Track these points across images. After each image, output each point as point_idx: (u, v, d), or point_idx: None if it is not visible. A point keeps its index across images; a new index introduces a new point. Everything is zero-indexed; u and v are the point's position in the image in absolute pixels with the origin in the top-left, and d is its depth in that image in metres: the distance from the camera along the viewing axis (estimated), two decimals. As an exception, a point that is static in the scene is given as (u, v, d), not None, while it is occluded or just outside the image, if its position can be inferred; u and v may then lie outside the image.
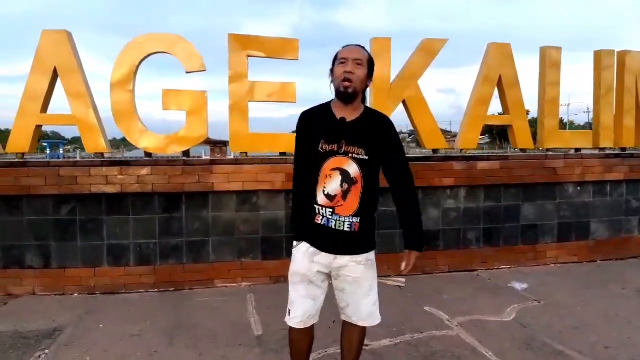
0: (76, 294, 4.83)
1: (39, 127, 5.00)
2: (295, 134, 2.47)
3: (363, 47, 2.36)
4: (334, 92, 2.35)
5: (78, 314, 4.24)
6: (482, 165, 5.42)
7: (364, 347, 3.47)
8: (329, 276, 2.44)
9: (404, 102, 5.41)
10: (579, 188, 5.79)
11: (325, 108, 2.39)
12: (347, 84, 2.24)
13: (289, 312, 2.46)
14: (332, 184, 2.29)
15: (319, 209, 2.32)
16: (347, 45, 2.36)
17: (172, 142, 5.06)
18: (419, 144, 5.75)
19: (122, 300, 4.68)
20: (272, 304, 4.31)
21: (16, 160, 4.93)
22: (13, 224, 4.80)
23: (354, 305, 2.45)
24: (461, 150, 5.67)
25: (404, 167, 2.44)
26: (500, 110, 6.09)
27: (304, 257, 2.38)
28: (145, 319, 4.13)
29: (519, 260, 5.61)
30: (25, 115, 4.88)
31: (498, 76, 5.54)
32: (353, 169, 2.28)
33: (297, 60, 5.17)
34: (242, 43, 5.02)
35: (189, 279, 4.96)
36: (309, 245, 2.38)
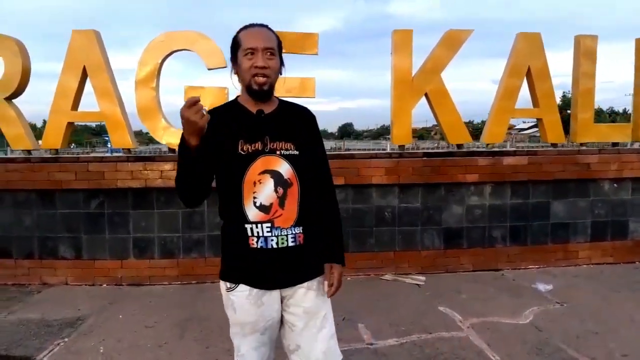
0: (105, 285, 5.05)
1: (70, 123, 5.23)
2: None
3: (268, 27, 1.90)
4: (238, 87, 1.94)
5: (101, 304, 4.44)
6: (508, 160, 5.23)
7: (367, 346, 3.49)
8: (280, 311, 1.96)
9: (426, 96, 5.29)
10: (615, 185, 5.48)
11: (233, 105, 1.95)
12: (261, 79, 1.82)
13: None
14: (264, 191, 1.83)
15: (251, 229, 1.84)
16: (249, 27, 1.88)
17: (194, 138, 5.16)
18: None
19: (146, 291, 4.86)
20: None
21: (49, 156, 5.20)
22: (47, 217, 5.07)
23: (306, 346, 1.93)
24: (487, 144, 5.48)
25: (327, 168, 2.05)
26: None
27: (249, 302, 1.88)
28: (162, 310, 4.27)
29: (548, 259, 5.38)
30: (58, 113, 5.12)
31: (527, 67, 5.31)
32: (285, 169, 1.86)
33: (316, 55, 5.14)
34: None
35: (209, 272, 5.07)
36: (249, 287, 1.88)
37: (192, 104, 1.61)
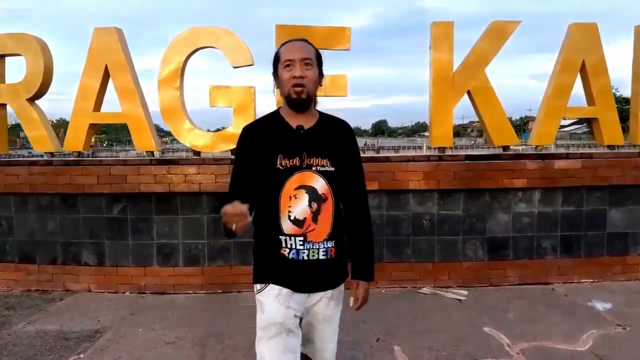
0: (128, 293, 4.86)
1: (92, 125, 5.05)
2: (235, 153, 2.08)
3: (307, 41, 2.00)
4: (281, 99, 2.00)
5: (122, 315, 4.23)
6: (559, 164, 4.75)
7: (405, 374, 3.15)
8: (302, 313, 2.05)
9: (468, 93, 4.87)
10: (682, 191, 4.93)
11: (274, 118, 2.02)
12: (299, 89, 1.89)
13: None
14: (299, 206, 1.91)
15: (285, 240, 1.92)
16: (289, 42, 1.98)
17: (219, 140, 4.93)
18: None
19: (169, 301, 4.62)
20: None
21: (72, 158, 5.03)
22: (70, 221, 4.91)
23: (320, 344, 2.09)
24: (536, 147, 5.02)
25: (362, 182, 2.10)
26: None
27: (278, 302, 1.94)
28: (185, 324, 4.02)
29: (604, 273, 4.88)
30: (79, 114, 4.94)
31: (581, 62, 4.82)
32: (320, 184, 1.93)
33: (348, 50, 4.80)
34: (289, 34, 4.70)
35: (236, 281, 4.81)
36: (279, 287, 1.95)
37: (237, 214, 1.67)
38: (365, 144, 52.20)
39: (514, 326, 3.82)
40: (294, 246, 1.92)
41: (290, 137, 1.95)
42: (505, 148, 5.01)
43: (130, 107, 4.90)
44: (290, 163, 1.91)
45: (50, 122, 5.28)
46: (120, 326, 4.00)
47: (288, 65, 1.90)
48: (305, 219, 1.91)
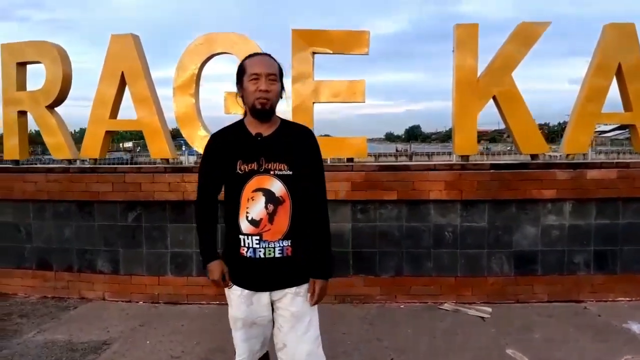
0: (141, 302, 4.79)
1: (109, 132, 5.02)
2: (202, 158, 2.28)
3: (270, 56, 2.18)
4: (244, 108, 2.17)
5: (132, 326, 4.15)
6: (593, 174, 4.44)
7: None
8: (272, 310, 2.22)
9: (494, 99, 4.62)
10: None
11: (237, 126, 2.19)
12: (263, 101, 2.07)
13: (236, 354, 2.28)
14: (256, 207, 2.09)
15: (243, 240, 2.10)
16: (254, 55, 2.16)
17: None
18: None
19: (181, 312, 4.53)
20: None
21: (87, 166, 5.02)
22: (86, 229, 4.89)
23: (292, 346, 2.17)
24: (567, 155, 4.72)
25: (321, 186, 2.23)
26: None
27: (240, 301, 2.17)
28: (193, 337, 3.91)
29: (642, 291, 4.53)
30: (96, 122, 4.92)
31: (617, 64, 4.50)
32: (277, 187, 2.10)
33: (367, 55, 4.62)
34: (307, 39, 4.60)
35: (249, 292, 4.67)
36: (241, 288, 2.16)
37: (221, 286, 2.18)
38: (396, 150, 51.60)
39: (541, 349, 3.55)
40: (250, 245, 2.09)
41: (249, 143, 2.13)
42: (534, 156, 4.73)
43: (146, 114, 4.85)
44: (249, 167, 2.09)
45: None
46: (129, 337, 3.92)
47: (254, 79, 2.06)
48: (261, 219, 2.08)
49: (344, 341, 3.73)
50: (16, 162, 5.23)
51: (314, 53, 4.63)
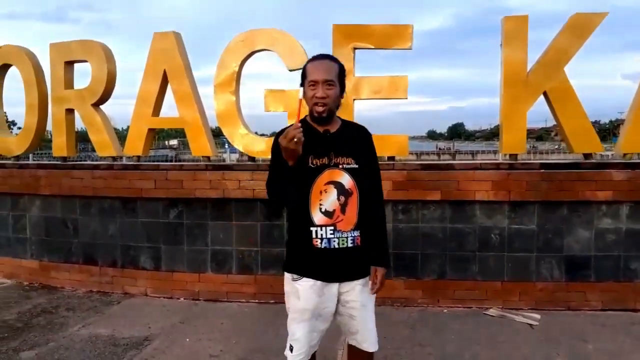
0: (182, 299, 4.83)
1: (151, 130, 5.08)
2: (272, 154, 2.28)
3: (330, 58, 2.24)
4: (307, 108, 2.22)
5: (172, 323, 4.18)
6: (653, 174, 4.16)
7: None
8: (336, 302, 2.28)
9: (545, 95, 4.39)
10: None
11: (303, 124, 2.17)
12: (320, 108, 2.15)
13: (291, 349, 2.28)
14: (329, 199, 2.19)
15: (316, 231, 2.18)
16: (314, 59, 2.23)
17: (274, 146, 4.77)
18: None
19: (221, 310, 4.53)
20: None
21: (131, 163, 5.10)
22: (129, 225, 4.97)
23: (364, 332, 2.31)
24: (624, 155, 4.44)
25: (378, 179, 2.37)
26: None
27: (312, 291, 2.21)
28: (232, 336, 3.90)
29: None
30: (139, 119, 4.99)
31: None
32: (346, 180, 2.21)
33: (410, 49, 4.48)
34: (347, 34, 4.49)
35: (289, 292, 4.63)
36: (314, 280, 2.21)
37: (292, 137, 1.99)
38: (438, 148, 50.52)
39: (594, 361, 3.34)
40: (324, 235, 2.17)
41: (319, 139, 2.21)
42: (587, 156, 4.47)
43: (187, 112, 4.87)
44: (320, 162, 2.19)
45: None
46: (169, 334, 3.94)
47: (312, 85, 2.14)
48: (334, 210, 2.18)
49: (384, 346, 3.60)
50: (64, 158, 5.38)
51: (354, 48, 4.52)
